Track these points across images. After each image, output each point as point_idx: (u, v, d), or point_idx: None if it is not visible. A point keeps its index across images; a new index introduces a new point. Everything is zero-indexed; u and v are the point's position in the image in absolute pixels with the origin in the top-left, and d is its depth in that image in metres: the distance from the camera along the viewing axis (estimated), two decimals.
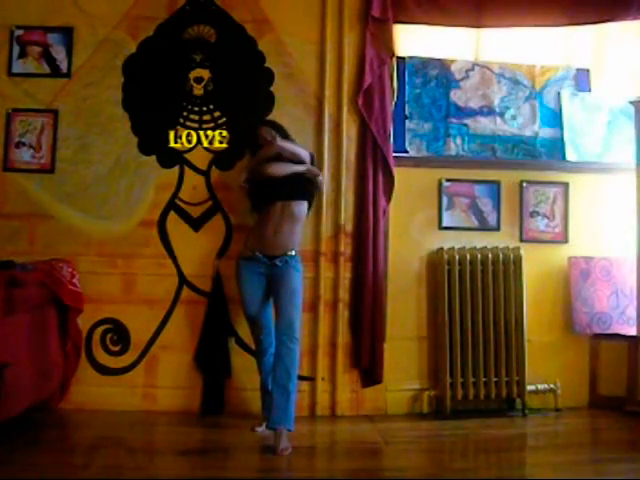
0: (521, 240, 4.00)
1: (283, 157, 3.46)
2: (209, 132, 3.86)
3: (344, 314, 3.84)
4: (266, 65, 3.90)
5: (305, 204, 3.45)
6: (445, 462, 3.19)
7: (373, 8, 3.84)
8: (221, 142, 3.86)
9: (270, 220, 3.37)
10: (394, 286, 3.90)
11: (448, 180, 4.01)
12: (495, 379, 3.79)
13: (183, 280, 3.82)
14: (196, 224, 3.85)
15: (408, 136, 4.03)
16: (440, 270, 3.85)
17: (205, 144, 3.86)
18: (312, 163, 3.55)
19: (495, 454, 3.31)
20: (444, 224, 3.99)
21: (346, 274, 3.86)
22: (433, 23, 4.03)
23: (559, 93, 4.14)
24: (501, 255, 3.85)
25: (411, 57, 4.09)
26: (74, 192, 3.84)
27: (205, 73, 3.89)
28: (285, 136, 3.57)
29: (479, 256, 3.85)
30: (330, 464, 3.17)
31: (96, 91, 3.87)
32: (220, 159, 3.86)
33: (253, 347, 3.61)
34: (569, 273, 3.98)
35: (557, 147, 4.09)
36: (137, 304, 3.79)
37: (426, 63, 4.10)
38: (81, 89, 3.87)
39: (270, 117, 3.80)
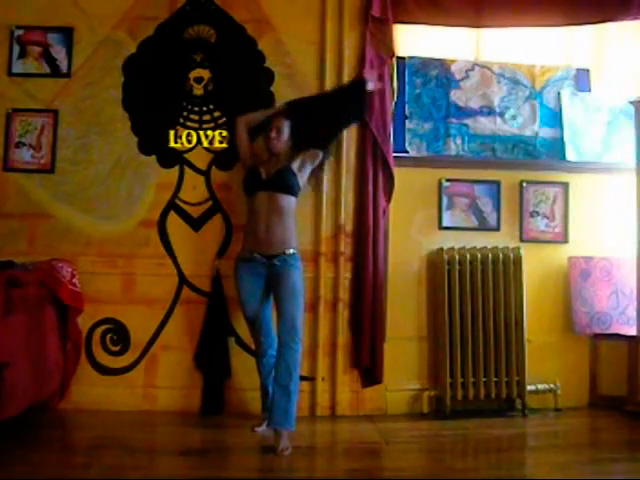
0: (521, 240, 4.00)
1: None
2: (209, 132, 3.86)
3: (344, 314, 3.84)
4: (266, 65, 3.89)
5: (292, 199, 3.43)
6: (445, 462, 3.19)
7: (373, 8, 3.84)
8: (221, 142, 3.86)
9: (259, 215, 3.36)
10: (394, 286, 3.90)
11: (448, 180, 4.01)
12: (495, 379, 3.79)
13: (183, 280, 3.82)
14: (196, 224, 3.85)
15: (408, 136, 4.03)
16: (440, 270, 3.85)
17: (205, 144, 3.86)
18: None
19: (495, 454, 3.32)
20: (444, 224, 3.99)
21: (346, 274, 3.86)
22: (433, 23, 4.03)
23: (559, 93, 4.14)
24: (501, 255, 3.85)
25: (411, 57, 4.09)
26: (74, 192, 3.84)
27: (205, 73, 3.89)
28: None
29: (479, 256, 3.85)
30: (330, 464, 3.17)
31: (96, 91, 3.87)
32: (220, 159, 3.86)
33: (253, 347, 3.61)
34: (569, 273, 3.98)
35: (557, 147, 4.09)
36: (137, 304, 3.79)
37: (426, 63, 4.10)
38: (81, 89, 3.87)
39: None
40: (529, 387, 3.81)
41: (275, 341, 3.39)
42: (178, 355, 3.78)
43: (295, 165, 3.46)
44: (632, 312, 3.89)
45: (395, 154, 3.91)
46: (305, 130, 3.58)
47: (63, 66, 3.89)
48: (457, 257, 3.84)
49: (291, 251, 3.35)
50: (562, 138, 4.09)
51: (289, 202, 3.41)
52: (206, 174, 3.87)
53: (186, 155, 3.87)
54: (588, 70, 4.21)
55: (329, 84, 3.89)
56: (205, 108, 3.88)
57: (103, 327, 3.79)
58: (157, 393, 3.76)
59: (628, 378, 3.87)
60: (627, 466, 3.04)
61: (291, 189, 3.41)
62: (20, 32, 3.89)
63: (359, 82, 3.73)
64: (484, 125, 4.10)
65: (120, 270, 3.81)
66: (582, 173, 4.07)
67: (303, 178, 3.50)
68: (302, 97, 3.75)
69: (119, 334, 3.79)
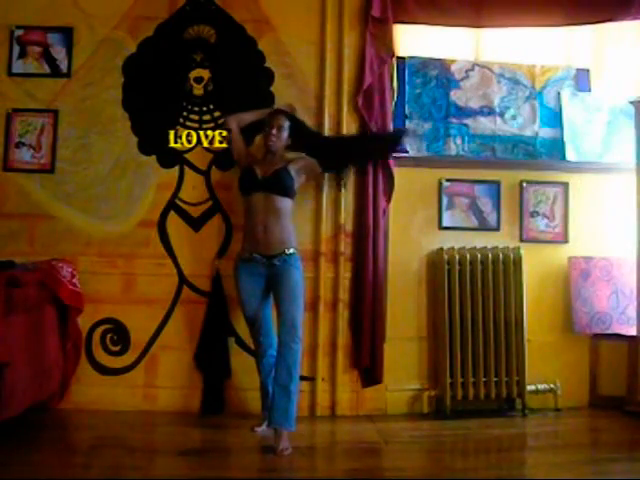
0: (521, 240, 4.00)
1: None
2: (209, 132, 3.86)
3: (344, 314, 3.84)
4: (266, 65, 3.90)
5: (288, 200, 3.41)
6: (445, 462, 3.19)
7: (373, 8, 3.84)
8: (221, 142, 3.86)
9: (256, 215, 3.36)
10: (394, 286, 3.90)
11: (448, 180, 4.00)
12: (495, 379, 3.79)
13: (183, 280, 3.82)
14: (196, 224, 3.85)
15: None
16: (440, 270, 3.85)
17: (205, 144, 3.86)
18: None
19: (495, 454, 3.32)
20: (444, 224, 3.99)
21: (346, 274, 3.86)
22: (433, 23, 4.03)
23: (559, 93, 4.14)
24: (501, 255, 3.85)
25: (411, 57, 4.09)
26: (74, 192, 3.84)
27: (205, 73, 3.89)
28: (300, 122, 3.60)
29: (479, 256, 3.85)
30: (330, 464, 3.17)
31: (96, 91, 3.87)
32: (220, 159, 3.86)
33: (253, 347, 3.61)
34: (569, 273, 3.98)
35: (557, 147, 4.09)
36: (137, 304, 3.79)
37: (426, 63, 4.10)
38: (81, 89, 3.87)
39: None
40: (529, 387, 3.81)
41: (275, 341, 3.39)
42: (178, 355, 3.78)
43: (292, 169, 3.45)
44: (632, 312, 3.88)
45: (395, 154, 3.90)
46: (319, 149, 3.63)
47: (63, 66, 3.89)
48: (457, 257, 3.84)
49: (291, 251, 3.35)
50: (562, 138, 4.09)
51: (285, 203, 3.39)
52: (206, 174, 3.87)
53: (186, 155, 3.87)
54: (588, 70, 4.20)
55: (329, 84, 3.88)
56: (205, 108, 3.88)
57: (103, 327, 3.79)
58: (157, 393, 3.76)
59: (628, 378, 3.87)
60: (627, 466, 3.04)
61: (287, 191, 3.40)
62: (20, 32, 3.89)
63: (399, 134, 3.82)
64: (484, 125, 4.09)
65: (120, 270, 3.81)
66: (582, 173, 4.06)
67: (297, 184, 3.49)
68: (337, 136, 3.83)
69: (119, 334, 3.79)
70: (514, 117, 4.12)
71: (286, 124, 3.50)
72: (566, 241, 4.04)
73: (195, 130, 3.86)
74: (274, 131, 3.46)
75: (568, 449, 3.31)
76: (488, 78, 4.13)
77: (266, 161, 3.48)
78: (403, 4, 3.93)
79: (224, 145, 3.84)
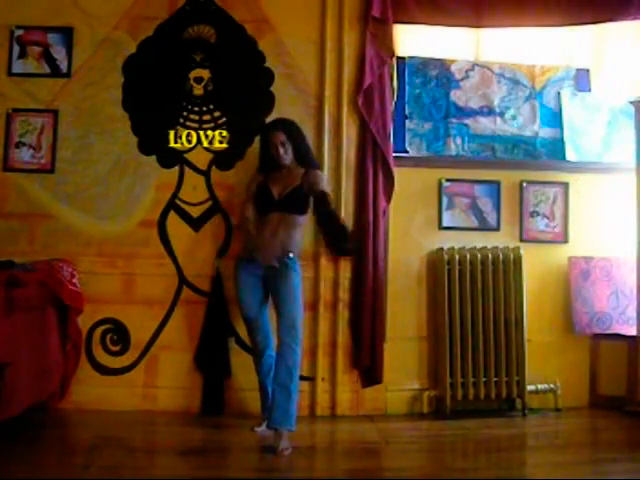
0: (521, 240, 4.00)
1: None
2: (209, 132, 3.86)
3: (344, 314, 3.84)
4: (266, 65, 3.90)
5: (305, 216, 3.43)
6: (445, 462, 3.19)
7: (373, 8, 3.84)
8: (221, 142, 3.86)
9: (268, 226, 3.36)
10: (394, 286, 3.90)
11: (448, 180, 4.00)
12: (495, 379, 3.79)
13: (183, 280, 3.82)
14: (196, 224, 3.85)
15: (408, 136, 4.03)
16: (440, 270, 3.85)
17: (205, 144, 3.86)
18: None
19: (495, 454, 3.32)
20: (444, 224, 3.99)
21: (346, 274, 3.86)
22: (433, 23, 4.03)
23: (559, 93, 4.14)
24: (501, 255, 3.85)
25: (411, 57, 4.09)
26: (74, 192, 3.84)
27: (205, 73, 3.90)
28: (298, 137, 3.48)
29: (479, 256, 3.85)
30: (330, 464, 3.17)
31: (96, 91, 3.87)
32: (220, 159, 3.86)
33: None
34: (569, 273, 3.98)
35: (557, 147, 4.09)
36: (137, 304, 3.79)
37: (426, 63, 4.10)
38: (81, 89, 3.87)
39: (271, 118, 3.78)
40: (529, 387, 3.81)
41: (273, 342, 3.40)
42: (178, 355, 3.78)
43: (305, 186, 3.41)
44: (632, 312, 3.88)
45: (395, 154, 3.91)
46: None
47: (63, 66, 3.89)
48: (457, 257, 3.84)
49: (290, 255, 3.34)
50: (562, 138, 4.09)
51: (301, 219, 3.41)
52: (206, 174, 3.87)
53: (186, 155, 3.87)
54: (588, 70, 4.20)
55: (329, 84, 3.88)
56: (205, 108, 3.88)
57: (103, 327, 3.79)
58: (157, 393, 3.76)
59: (628, 378, 3.87)
60: (627, 466, 3.03)
61: (304, 209, 3.41)
62: (20, 32, 3.89)
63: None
64: (484, 125, 4.09)
65: (120, 270, 3.80)
66: (582, 173, 4.06)
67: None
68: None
69: (119, 334, 3.79)
70: (514, 117, 4.12)
71: (284, 137, 3.40)
72: (566, 241, 4.03)
73: (195, 130, 3.86)
74: (281, 151, 3.40)
75: (568, 449, 3.31)
76: (488, 78, 4.13)
77: (281, 176, 3.44)
78: (403, 4, 3.93)
79: (224, 145, 3.85)
